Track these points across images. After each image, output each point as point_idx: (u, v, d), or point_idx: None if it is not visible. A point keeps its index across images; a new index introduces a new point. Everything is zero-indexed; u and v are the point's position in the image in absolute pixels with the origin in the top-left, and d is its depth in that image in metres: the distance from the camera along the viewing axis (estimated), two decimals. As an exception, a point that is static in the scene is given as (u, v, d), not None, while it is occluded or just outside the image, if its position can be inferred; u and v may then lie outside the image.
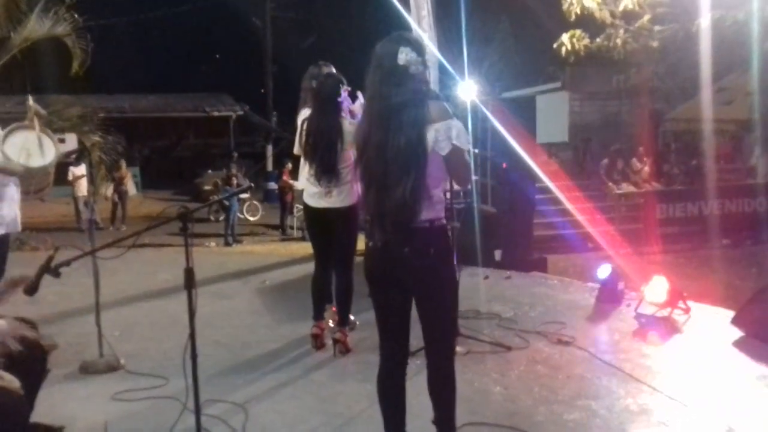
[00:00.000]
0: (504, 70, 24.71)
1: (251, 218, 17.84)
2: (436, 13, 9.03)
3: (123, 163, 16.18)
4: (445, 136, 3.03)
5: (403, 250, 3.10)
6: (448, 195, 4.87)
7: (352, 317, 5.90)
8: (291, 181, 15.62)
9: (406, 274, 3.17)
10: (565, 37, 10.90)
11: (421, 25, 8.68)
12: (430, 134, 3.03)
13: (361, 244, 4.12)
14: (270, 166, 24.80)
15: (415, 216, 3.05)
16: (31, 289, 3.36)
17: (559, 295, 7.16)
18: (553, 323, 5.95)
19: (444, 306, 3.27)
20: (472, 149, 3.20)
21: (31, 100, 4.30)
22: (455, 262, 3.36)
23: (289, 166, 16.54)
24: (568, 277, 8.32)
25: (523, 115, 9.35)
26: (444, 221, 3.20)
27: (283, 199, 16.31)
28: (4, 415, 3.00)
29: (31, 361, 3.45)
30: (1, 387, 3.12)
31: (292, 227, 15.89)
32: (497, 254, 8.69)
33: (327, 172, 5.14)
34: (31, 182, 4.15)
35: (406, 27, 8.78)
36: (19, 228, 4.27)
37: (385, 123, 3.09)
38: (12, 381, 3.20)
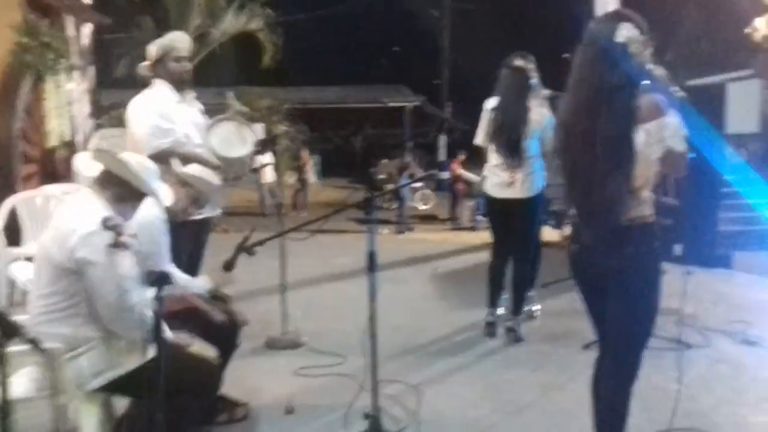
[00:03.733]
0: (690, 57, 23.45)
1: (423, 207, 18.06)
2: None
3: (305, 152, 16.87)
4: (657, 138, 2.72)
5: (599, 250, 2.90)
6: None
7: (536, 306, 5.95)
8: (461, 171, 15.65)
9: (600, 275, 2.96)
10: (759, 22, 10.22)
11: (606, 10, 8.43)
12: (640, 136, 2.72)
13: (552, 235, 4.06)
14: (443, 156, 24.95)
15: (620, 216, 2.79)
16: (229, 265, 3.66)
17: (746, 294, 6.80)
18: (738, 322, 5.66)
19: (632, 313, 2.93)
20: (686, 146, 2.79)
21: (232, 98, 4.61)
22: (657, 267, 2.94)
23: (462, 157, 16.58)
24: (756, 275, 7.85)
25: (711, 104, 8.87)
26: (650, 219, 2.86)
27: (454, 189, 16.38)
28: (200, 382, 3.27)
29: (227, 334, 3.75)
30: (200, 356, 3.42)
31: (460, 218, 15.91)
32: (677, 248, 8.34)
33: (512, 153, 5.20)
34: (230, 170, 4.41)
35: (590, 15, 8.59)
36: (219, 212, 4.58)
37: (595, 109, 2.77)
38: (209, 350, 3.50)
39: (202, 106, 4.57)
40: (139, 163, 3.16)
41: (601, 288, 3.01)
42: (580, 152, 2.86)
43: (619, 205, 2.79)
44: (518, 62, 5.49)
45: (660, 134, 2.73)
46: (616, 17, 2.87)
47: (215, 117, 4.42)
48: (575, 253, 3.09)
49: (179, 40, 4.46)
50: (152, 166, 3.27)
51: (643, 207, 2.87)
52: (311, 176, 18.07)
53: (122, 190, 3.11)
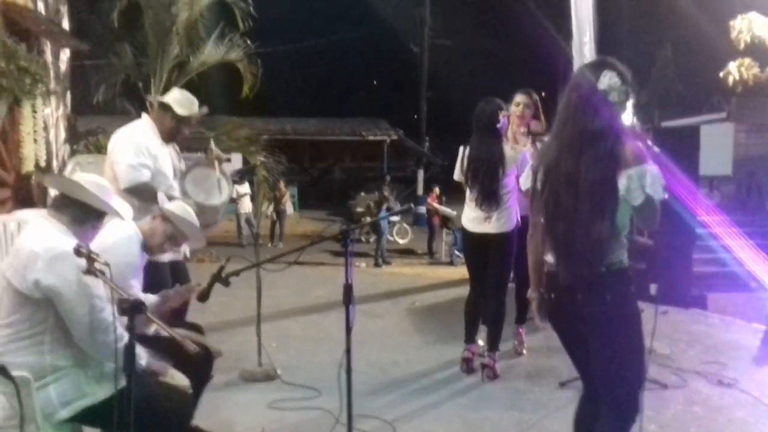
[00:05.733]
0: (665, 99, 23.84)
1: (401, 241, 18.04)
2: (598, 39, 8.88)
3: (283, 183, 16.84)
4: (638, 184, 2.75)
5: (577, 298, 2.91)
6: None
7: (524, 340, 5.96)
8: (436, 205, 15.71)
9: (578, 320, 2.97)
10: (732, 66, 10.45)
11: (582, 51, 8.56)
12: (623, 181, 2.77)
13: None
14: (420, 191, 25.05)
15: (602, 259, 2.84)
16: (204, 296, 3.62)
17: (720, 334, 6.82)
18: (713, 363, 5.68)
19: (619, 358, 2.93)
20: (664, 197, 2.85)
21: (213, 144, 4.60)
22: (635, 310, 2.96)
23: (437, 190, 16.65)
24: (730, 316, 7.90)
25: (685, 145, 8.99)
26: (625, 265, 2.92)
27: (431, 223, 16.41)
28: (173, 412, 3.20)
29: (200, 365, 3.68)
30: (173, 385, 3.35)
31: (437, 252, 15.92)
32: (652, 288, 8.38)
33: (488, 197, 5.22)
34: (201, 217, 4.35)
35: (567, 55, 8.73)
36: (187, 255, 4.57)
37: (576, 151, 2.84)
38: (183, 380, 3.44)
39: (179, 150, 4.63)
40: (93, 183, 3.13)
41: (581, 333, 3.01)
42: (563, 192, 2.88)
43: (602, 249, 2.83)
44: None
45: (641, 181, 2.76)
46: (600, 65, 2.94)
47: (195, 161, 4.40)
48: (553, 303, 3.08)
49: (194, 109, 4.47)
50: (106, 184, 3.25)
51: (620, 252, 2.90)
52: (288, 207, 18.03)
53: (80, 212, 3.08)
